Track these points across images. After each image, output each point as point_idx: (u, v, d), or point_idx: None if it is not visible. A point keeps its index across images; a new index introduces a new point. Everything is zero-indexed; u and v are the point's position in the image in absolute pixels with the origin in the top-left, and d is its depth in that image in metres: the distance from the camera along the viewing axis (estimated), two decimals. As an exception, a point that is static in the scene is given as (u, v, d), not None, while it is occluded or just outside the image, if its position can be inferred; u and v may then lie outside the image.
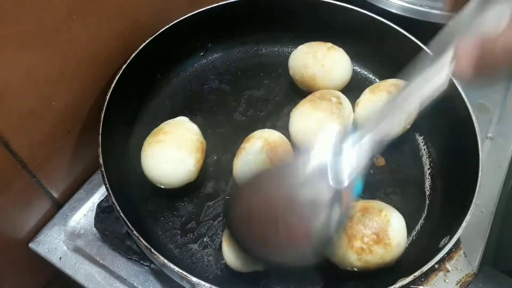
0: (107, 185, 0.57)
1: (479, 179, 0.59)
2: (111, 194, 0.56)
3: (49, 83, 0.59)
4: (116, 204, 0.56)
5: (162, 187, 0.64)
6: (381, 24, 0.75)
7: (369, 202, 0.61)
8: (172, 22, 0.73)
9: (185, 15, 0.74)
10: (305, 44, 0.76)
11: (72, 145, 0.68)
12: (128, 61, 0.67)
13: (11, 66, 0.52)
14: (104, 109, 0.63)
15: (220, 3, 0.77)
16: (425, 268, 0.53)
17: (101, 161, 0.59)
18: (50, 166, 0.65)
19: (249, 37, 0.84)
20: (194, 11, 0.74)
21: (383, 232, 0.57)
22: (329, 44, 0.75)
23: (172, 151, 0.62)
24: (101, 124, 0.61)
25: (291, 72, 0.77)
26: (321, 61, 0.73)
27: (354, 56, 0.82)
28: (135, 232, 0.54)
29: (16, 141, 0.57)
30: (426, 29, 0.79)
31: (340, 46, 0.76)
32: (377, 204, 0.60)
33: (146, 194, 0.67)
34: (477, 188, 0.58)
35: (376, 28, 0.76)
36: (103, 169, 0.58)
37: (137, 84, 0.72)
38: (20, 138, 0.58)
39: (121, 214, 0.55)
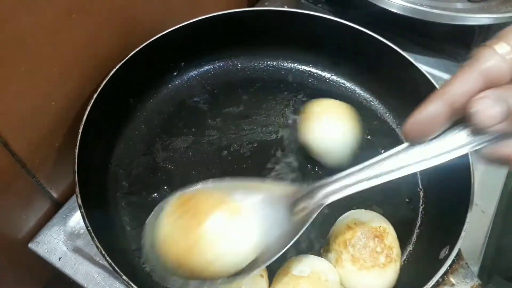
0: (89, 228, 0.54)
1: (472, 180, 0.57)
2: (95, 238, 0.54)
3: (49, 83, 0.59)
4: (101, 248, 0.53)
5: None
6: (360, 34, 0.71)
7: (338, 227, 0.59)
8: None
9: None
10: None
11: (71, 145, 0.67)
12: (99, 90, 0.64)
13: (11, 66, 0.52)
14: (77, 145, 0.60)
15: (190, 21, 0.72)
16: (430, 284, 0.50)
17: (79, 201, 0.56)
18: (50, 166, 0.65)
19: (223, 53, 0.80)
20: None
21: (383, 234, 0.57)
22: None
23: None
24: (75, 162, 0.58)
25: None
26: None
27: (331, 65, 0.79)
28: (124, 277, 0.52)
29: (16, 141, 0.57)
30: (427, 29, 0.80)
31: (314, 56, 0.74)
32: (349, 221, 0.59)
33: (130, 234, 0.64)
34: (471, 190, 0.56)
35: (352, 36, 0.72)
36: (83, 210, 0.55)
37: (110, 113, 0.68)
38: (20, 138, 0.58)
39: (108, 259, 0.53)
